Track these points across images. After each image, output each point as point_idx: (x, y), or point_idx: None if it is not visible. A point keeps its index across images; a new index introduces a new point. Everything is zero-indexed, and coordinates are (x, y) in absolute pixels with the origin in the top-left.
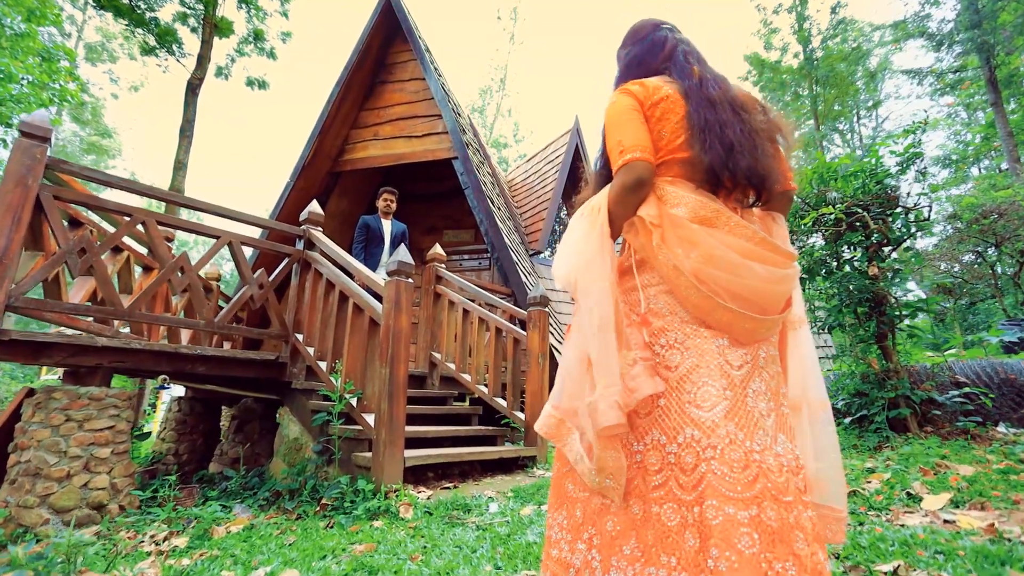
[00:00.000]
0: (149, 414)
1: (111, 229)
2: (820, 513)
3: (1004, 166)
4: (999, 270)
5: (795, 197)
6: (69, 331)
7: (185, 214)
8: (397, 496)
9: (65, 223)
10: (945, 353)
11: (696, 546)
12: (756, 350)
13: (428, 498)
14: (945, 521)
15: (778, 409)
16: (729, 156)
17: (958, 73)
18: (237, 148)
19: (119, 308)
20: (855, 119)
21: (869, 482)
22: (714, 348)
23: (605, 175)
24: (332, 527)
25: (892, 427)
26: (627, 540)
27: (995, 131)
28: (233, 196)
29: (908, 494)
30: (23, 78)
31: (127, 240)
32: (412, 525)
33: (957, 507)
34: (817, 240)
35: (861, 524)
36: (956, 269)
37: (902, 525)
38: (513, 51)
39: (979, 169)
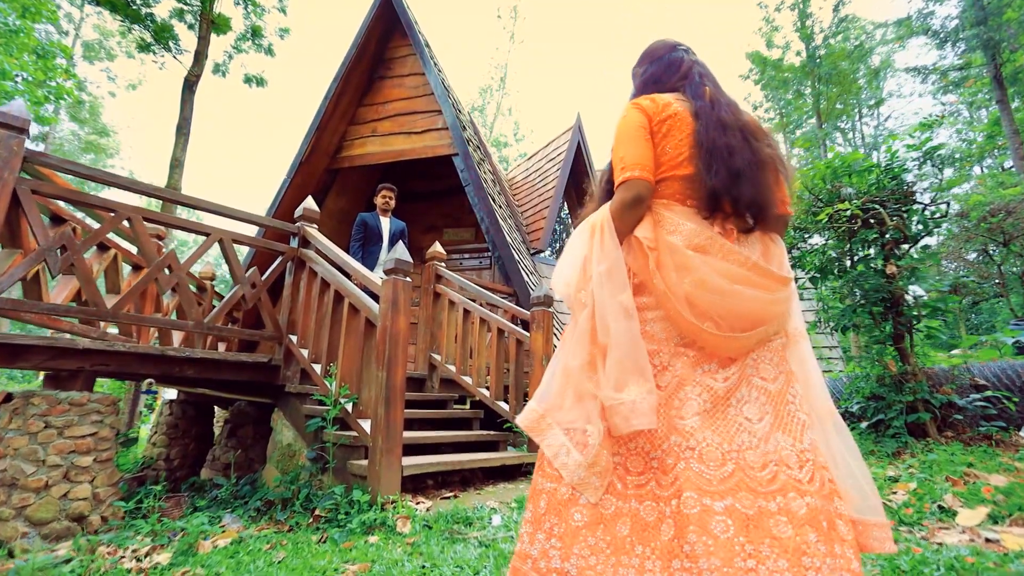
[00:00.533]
0: (145, 416)
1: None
2: (857, 523)
3: (1008, 164)
4: (1005, 269)
5: (809, 193)
6: (68, 335)
7: (185, 213)
8: (394, 508)
9: (47, 220)
10: (951, 354)
11: (672, 535)
12: (746, 359)
13: (427, 509)
14: (987, 540)
15: (779, 408)
16: (734, 184)
17: (962, 71)
18: (235, 146)
19: (101, 308)
20: (857, 117)
21: (894, 492)
22: (701, 370)
23: (609, 189)
24: (325, 542)
25: (910, 432)
26: (593, 531)
27: (1000, 129)
28: (231, 194)
29: (940, 507)
30: (17, 75)
31: (116, 239)
32: (410, 541)
33: (996, 523)
34: (827, 239)
35: (895, 543)
36: (962, 268)
37: (940, 544)
38: (513, 50)
39: (981, 168)
